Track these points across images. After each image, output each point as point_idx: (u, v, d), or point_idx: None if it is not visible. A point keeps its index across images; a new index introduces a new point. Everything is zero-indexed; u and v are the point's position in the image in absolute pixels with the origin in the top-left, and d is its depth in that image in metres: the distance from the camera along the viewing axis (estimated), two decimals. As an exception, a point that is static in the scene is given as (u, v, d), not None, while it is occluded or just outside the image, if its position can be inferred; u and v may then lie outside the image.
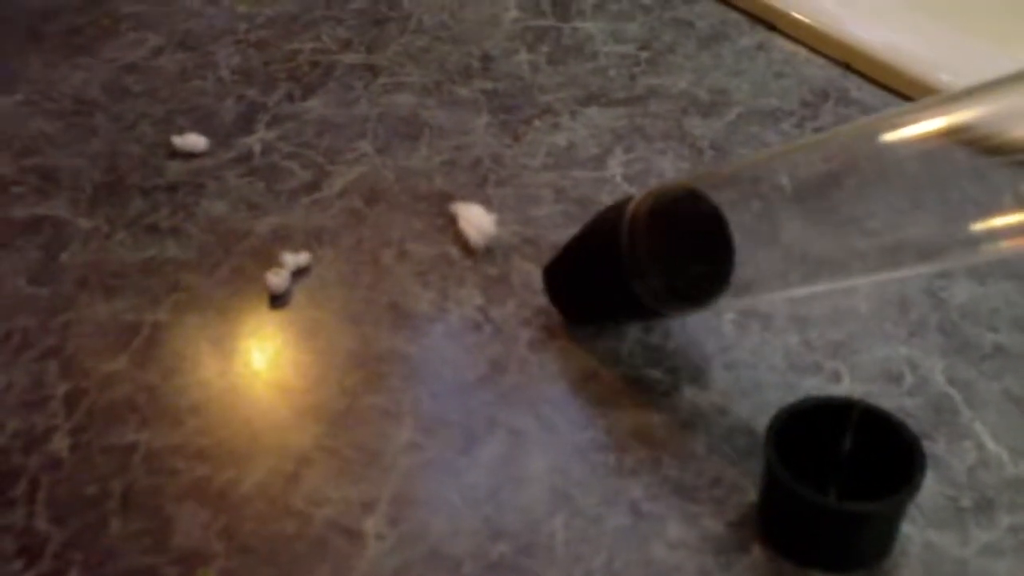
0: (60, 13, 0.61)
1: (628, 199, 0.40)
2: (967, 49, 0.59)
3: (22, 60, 0.57)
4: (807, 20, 0.60)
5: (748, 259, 0.37)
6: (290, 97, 0.55)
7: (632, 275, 0.39)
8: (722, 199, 0.37)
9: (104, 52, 0.58)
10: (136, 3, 0.62)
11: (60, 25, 0.60)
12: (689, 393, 0.41)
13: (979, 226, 0.35)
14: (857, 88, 0.57)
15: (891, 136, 0.37)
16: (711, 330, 0.43)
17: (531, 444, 0.39)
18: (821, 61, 0.59)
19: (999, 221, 0.35)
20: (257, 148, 0.52)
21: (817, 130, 0.54)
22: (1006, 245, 0.34)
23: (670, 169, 0.51)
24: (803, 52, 0.60)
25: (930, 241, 0.37)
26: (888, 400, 0.41)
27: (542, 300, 0.44)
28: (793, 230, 0.38)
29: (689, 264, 0.39)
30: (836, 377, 0.42)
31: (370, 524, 0.36)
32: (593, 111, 0.55)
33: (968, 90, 0.35)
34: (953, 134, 0.36)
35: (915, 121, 0.36)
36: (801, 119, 0.55)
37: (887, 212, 0.38)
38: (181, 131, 0.52)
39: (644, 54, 0.59)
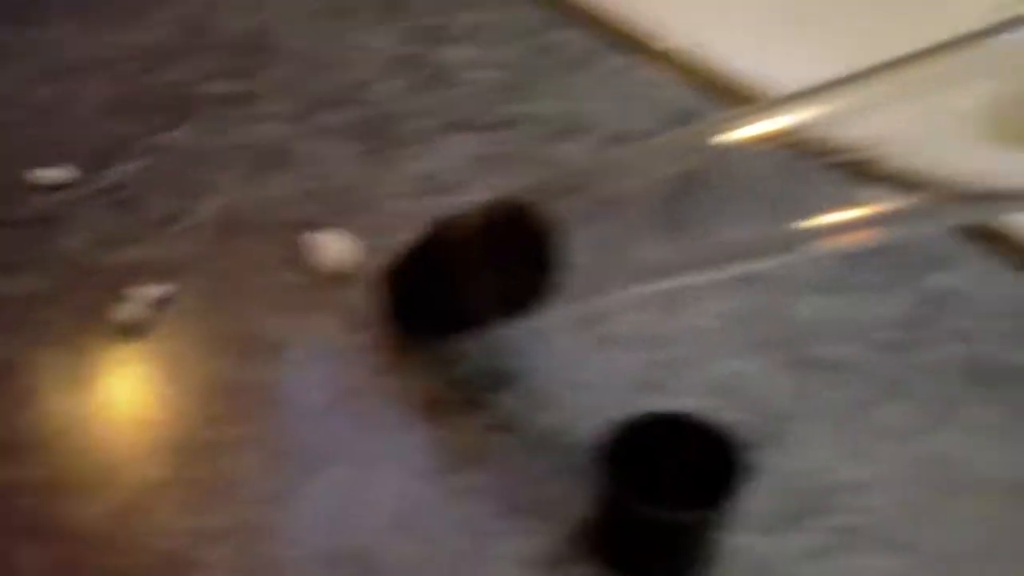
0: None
1: (461, 213, 0.42)
2: (825, 70, 0.61)
3: None
4: (667, 45, 0.62)
5: (582, 265, 0.39)
6: (159, 128, 0.56)
7: (464, 285, 0.41)
8: (558, 209, 0.39)
9: (-29, 85, 0.59)
10: (4, 33, 0.62)
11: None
12: (533, 414, 0.42)
13: (804, 224, 0.37)
14: (714, 109, 0.59)
15: (721, 140, 0.39)
16: (558, 351, 0.45)
17: (377, 468, 0.40)
18: (680, 84, 0.61)
19: (821, 220, 0.37)
20: (124, 179, 0.53)
21: (674, 152, 0.56)
22: (828, 242, 0.36)
23: (529, 193, 0.53)
24: (663, 76, 0.62)
25: (758, 240, 0.39)
26: (728, 413, 0.42)
27: (394, 327, 0.45)
28: (624, 234, 0.40)
29: (519, 273, 0.40)
30: (678, 393, 0.44)
31: (216, 555, 0.37)
32: (458, 137, 0.56)
33: (793, 95, 0.37)
34: (780, 137, 0.38)
35: (744, 125, 0.38)
36: (660, 141, 0.57)
37: (717, 215, 0.40)
38: (47, 163, 0.53)
39: (509, 80, 0.61)
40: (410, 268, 0.44)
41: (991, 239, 0.51)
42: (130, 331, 0.45)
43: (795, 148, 0.38)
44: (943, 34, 0.35)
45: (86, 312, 0.46)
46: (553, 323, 0.46)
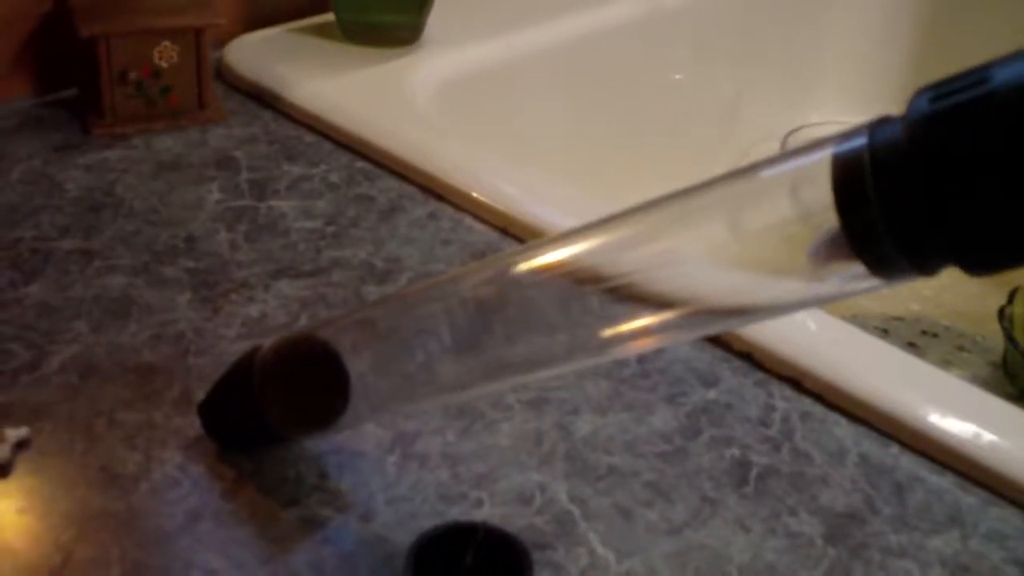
0: None
1: (259, 345, 0.51)
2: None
3: None
4: (470, 191, 0.71)
5: (364, 388, 0.47)
6: (12, 284, 0.62)
7: (263, 406, 0.50)
8: (343, 341, 0.47)
9: None
10: None
11: None
12: (356, 527, 0.50)
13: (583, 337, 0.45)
14: (510, 245, 0.68)
15: (511, 270, 0.47)
16: (377, 471, 0.52)
17: (220, 581, 0.47)
18: (482, 227, 0.70)
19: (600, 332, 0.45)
20: (-20, 333, 0.58)
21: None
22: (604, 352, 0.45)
23: (349, 332, 0.60)
24: (468, 219, 0.71)
25: (542, 352, 0.47)
26: (520, 519, 0.51)
27: (235, 456, 0.52)
28: (405, 361, 0.48)
29: (309, 395, 0.50)
30: (479, 504, 0.52)
31: (80, 661, 0.43)
32: (283, 283, 0.64)
33: (571, 231, 0.45)
34: (561, 267, 0.46)
35: (531, 257, 0.46)
36: (463, 281, 0.65)
37: (506, 336, 0.48)
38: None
39: (330, 228, 0.69)
40: (221, 394, 0.53)
41: (743, 357, 0.61)
42: (-3, 470, 0.51)
43: (574, 276, 0.45)
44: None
45: (-47, 456, 0.51)
46: (369, 445, 0.53)
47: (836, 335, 0.63)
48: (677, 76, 0.99)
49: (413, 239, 0.69)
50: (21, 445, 0.52)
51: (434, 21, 0.88)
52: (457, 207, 0.72)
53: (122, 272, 0.64)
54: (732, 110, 0.97)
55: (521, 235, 0.69)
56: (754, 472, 0.55)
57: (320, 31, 0.88)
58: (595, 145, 0.91)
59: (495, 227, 0.70)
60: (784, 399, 0.59)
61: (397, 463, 0.53)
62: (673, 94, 0.98)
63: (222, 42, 0.86)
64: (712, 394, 0.59)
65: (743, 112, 0.97)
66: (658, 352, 0.61)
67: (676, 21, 0.98)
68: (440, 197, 0.72)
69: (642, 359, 0.61)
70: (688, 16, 0.98)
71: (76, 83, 0.79)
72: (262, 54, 0.85)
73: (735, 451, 0.56)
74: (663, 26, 0.97)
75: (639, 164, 0.93)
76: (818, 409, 0.59)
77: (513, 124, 0.86)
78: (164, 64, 0.76)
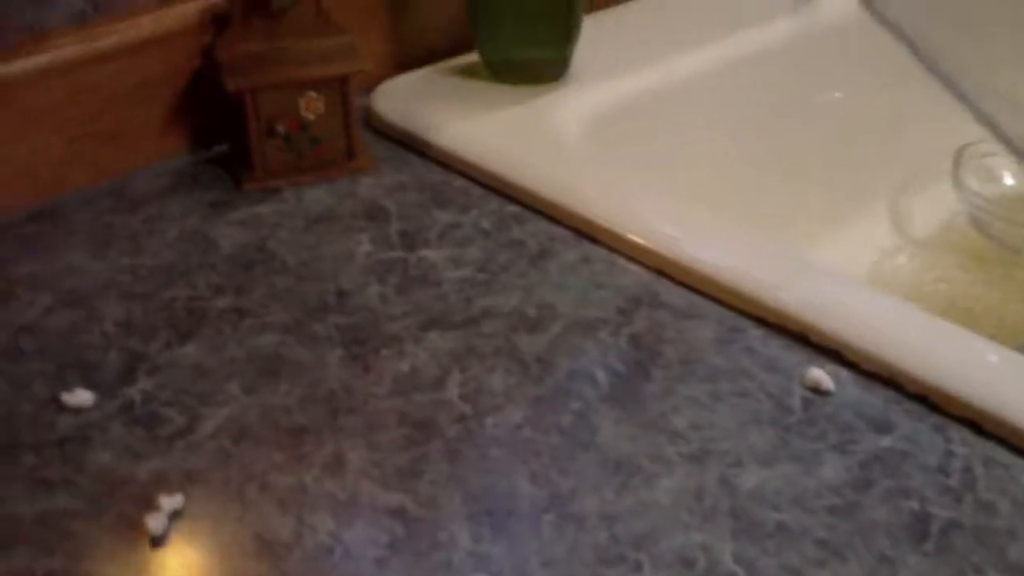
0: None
1: None
2: (766, 251, 0.68)
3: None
4: (624, 232, 0.69)
5: None
6: (168, 344, 0.62)
7: None
8: None
9: (1, 316, 0.65)
10: (33, 265, 0.69)
11: (-41, 291, 0.67)
12: (514, 594, 0.48)
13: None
14: (667, 292, 0.66)
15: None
16: (532, 533, 0.51)
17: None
18: (638, 268, 0.68)
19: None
20: (138, 398, 0.59)
21: (633, 336, 0.62)
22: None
23: (500, 384, 0.59)
24: (622, 261, 0.69)
25: None
26: (684, 583, 0.48)
27: (387, 520, 0.51)
28: None
29: None
30: (638, 567, 0.49)
31: None
32: (434, 335, 0.63)
33: None
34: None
35: None
36: (617, 326, 0.63)
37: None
38: (70, 387, 0.59)
39: (480, 276, 0.67)
40: None
41: (918, 399, 0.57)
42: (153, 540, 0.51)
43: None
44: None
45: (116, 525, 0.52)
46: (524, 505, 0.52)
47: (1017, 372, 0.59)
48: (837, 95, 0.95)
49: (565, 284, 0.67)
50: (176, 515, 0.52)
51: (581, 54, 0.86)
52: (611, 248, 0.70)
53: (274, 330, 0.63)
54: (897, 127, 0.92)
55: (679, 277, 0.66)
56: (935, 527, 0.51)
57: (467, 71, 0.87)
58: (754, 172, 0.87)
59: (651, 269, 0.68)
60: (964, 444, 0.55)
61: (552, 523, 0.51)
62: (834, 114, 0.94)
63: (369, 87, 0.85)
64: (885, 441, 0.55)
65: (908, 129, 0.92)
66: (824, 396, 0.58)
67: (833, 38, 0.94)
68: (593, 239, 0.70)
69: (808, 404, 0.58)
70: (846, 32, 0.94)
71: (227, 138, 0.80)
72: (408, 98, 0.84)
73: (913, 504, 0.52)
74: (820, 44, 0.93)
75: (802, 189, 0.89)
76: (1001, 454, 0.54)
77: (666, 156, 0.83)
78: (311, 115, 0.76)
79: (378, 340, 0.63)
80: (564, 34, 0.84)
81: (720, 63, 0.89)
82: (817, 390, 0.58)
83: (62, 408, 0.58)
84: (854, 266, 0.85)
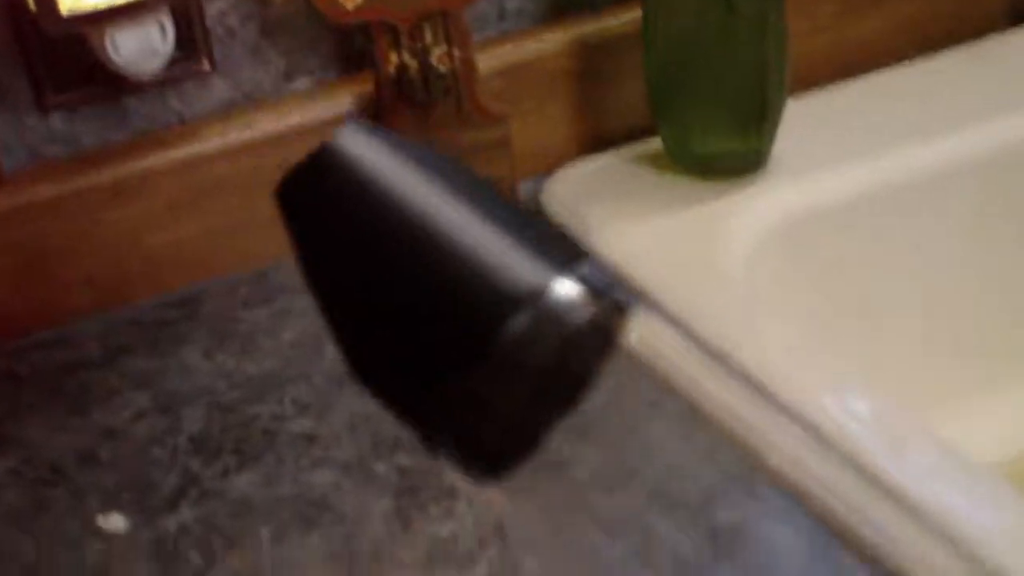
0: (79, 368, 0.68)
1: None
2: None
3: (25, 420, 0.64)
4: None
5: None
6: (225, 472, 0.59)
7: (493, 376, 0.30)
8: None
9: (94, 414, 0.64)
10: (149, 359, 0.68)
11: (75, 381, 0.67)
12: None
13: None
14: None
15: None
16: None
17: None
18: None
19: None
20: (172, 530, 0.56)
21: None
22: None
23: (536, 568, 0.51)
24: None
25: None
26: None
27: None
28: None
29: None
30: None
31: None
32: (493, 492, 0.55)
33: None
34: None
35: None
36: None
37: None
38: (118, 506, 0.57)
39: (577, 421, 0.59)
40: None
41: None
42: None
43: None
44: None
45: None
46: None
47: None
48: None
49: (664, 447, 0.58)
50: None
51: (783, 145, 0.75)
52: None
53: (333, 466, 0.59)
54: None
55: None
56: None
57: (654, 160, 0.78)
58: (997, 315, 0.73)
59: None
60: None
61: None
62: None
63: (550, 169, 0.78)
64: None
65: None
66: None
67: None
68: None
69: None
70: None
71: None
72: (580, 187, 0.76)
73: None
74: None
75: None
76: None
77: (870, 278, 0.71)
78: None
79: (432, 491, 0.56)
80: (756, 120, 0.73)
81: (958, 160, 0.75)
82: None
83: (96, 532, 0.56)
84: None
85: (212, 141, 0.72)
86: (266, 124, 0.72)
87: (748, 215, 0.71)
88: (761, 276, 0.68)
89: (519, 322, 0.32)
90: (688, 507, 0.53)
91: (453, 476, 0.56)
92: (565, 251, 0.32)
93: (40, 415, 0.65)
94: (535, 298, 0.31)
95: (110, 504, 0.58)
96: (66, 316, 0.71)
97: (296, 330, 0.69)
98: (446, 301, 0.31)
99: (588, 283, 0.33)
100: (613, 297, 0.35)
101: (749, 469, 0.56)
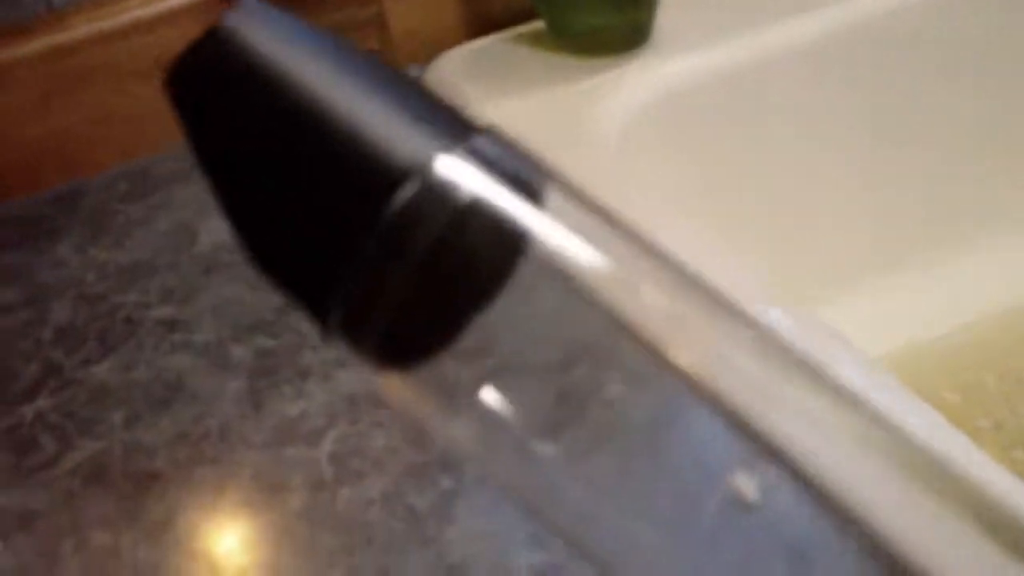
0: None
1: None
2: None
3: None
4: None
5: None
6: (86, 361, 0.59)
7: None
8: None
9: (-36, 310, 0.64)
10: (21, 254, 0.68)
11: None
12: None
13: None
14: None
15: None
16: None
17: None
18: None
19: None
20: (28, 418, 0.56)
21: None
22: None
23: (377, 446, 0.51)
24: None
25: None
26: None
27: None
28: None
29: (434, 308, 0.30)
30: None
31: None
32: (344, 374, 0.55)
33: None
34: None
35: None
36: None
37: None
38: (-22, 400, 0.57)
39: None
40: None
41: None
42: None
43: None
44: None
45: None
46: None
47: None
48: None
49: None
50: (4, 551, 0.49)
51: (669, 19, 0.73)
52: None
53: (191, 351, 0.58)
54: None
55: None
56: None
57: (539, 40, 0.77)
58: (877, 180, 0.72)
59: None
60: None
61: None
62: (974, 94, 0.76)
63: (430, 58, 0.77)
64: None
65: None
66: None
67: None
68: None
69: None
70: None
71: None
72: (462, 73, 0.75)
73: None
74: (954, 5, 0.75)
75: (946, 198, 0.73)
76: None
77: (752, 152, 0.70)
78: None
79: (288, 373, 0.56)
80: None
81: (837, 30, 0.73)
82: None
83: (-50, 424, 0.57)
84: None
85: (82, 28, 0.70)
86: (138, 9, 0.71)
87: (627, 89, 0.70)
88: (637, 149, 0.67)
89: (405, 193, 0.31)
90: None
91: (309, 358, 0.55)
92: (460, 125, 0.31)
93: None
94: (423, 170, 0.30)
95: (-30, 396, 0.58)
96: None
97: (170, 220, 0.69)
98: (336, 181, 0.30)
99: (482, 157, 0.33)
100: (510, 173, 0.34)
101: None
